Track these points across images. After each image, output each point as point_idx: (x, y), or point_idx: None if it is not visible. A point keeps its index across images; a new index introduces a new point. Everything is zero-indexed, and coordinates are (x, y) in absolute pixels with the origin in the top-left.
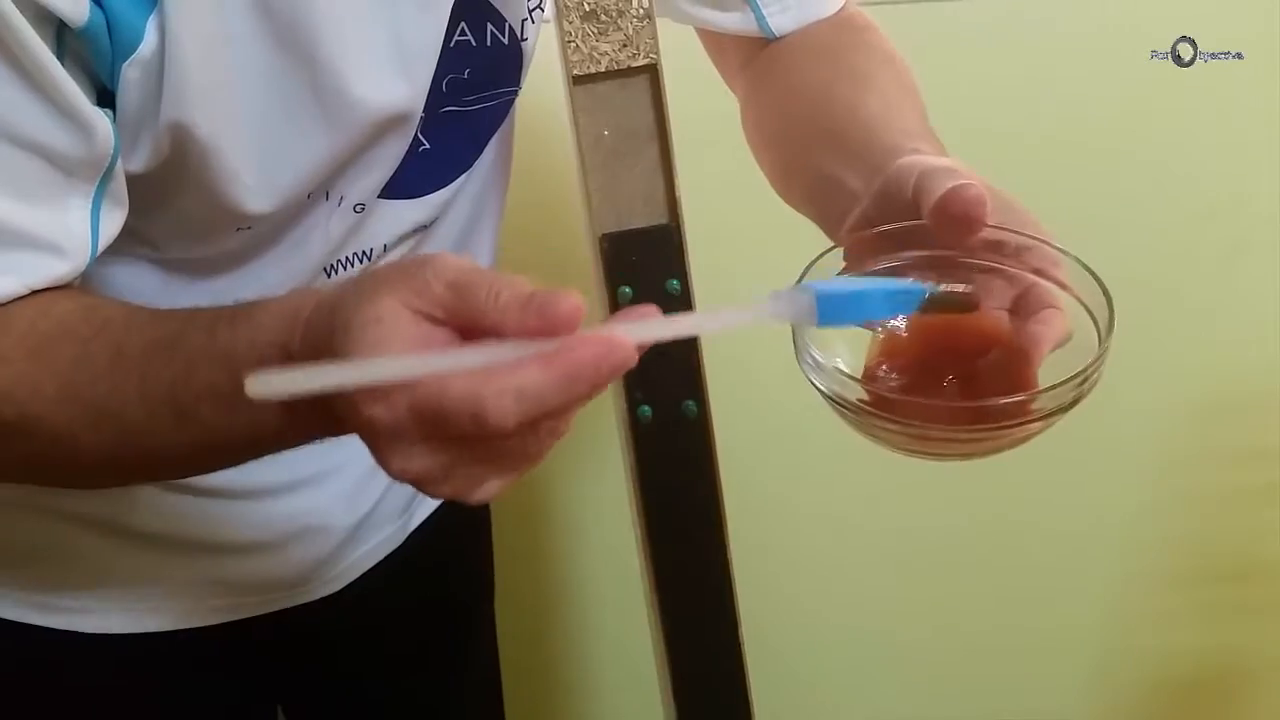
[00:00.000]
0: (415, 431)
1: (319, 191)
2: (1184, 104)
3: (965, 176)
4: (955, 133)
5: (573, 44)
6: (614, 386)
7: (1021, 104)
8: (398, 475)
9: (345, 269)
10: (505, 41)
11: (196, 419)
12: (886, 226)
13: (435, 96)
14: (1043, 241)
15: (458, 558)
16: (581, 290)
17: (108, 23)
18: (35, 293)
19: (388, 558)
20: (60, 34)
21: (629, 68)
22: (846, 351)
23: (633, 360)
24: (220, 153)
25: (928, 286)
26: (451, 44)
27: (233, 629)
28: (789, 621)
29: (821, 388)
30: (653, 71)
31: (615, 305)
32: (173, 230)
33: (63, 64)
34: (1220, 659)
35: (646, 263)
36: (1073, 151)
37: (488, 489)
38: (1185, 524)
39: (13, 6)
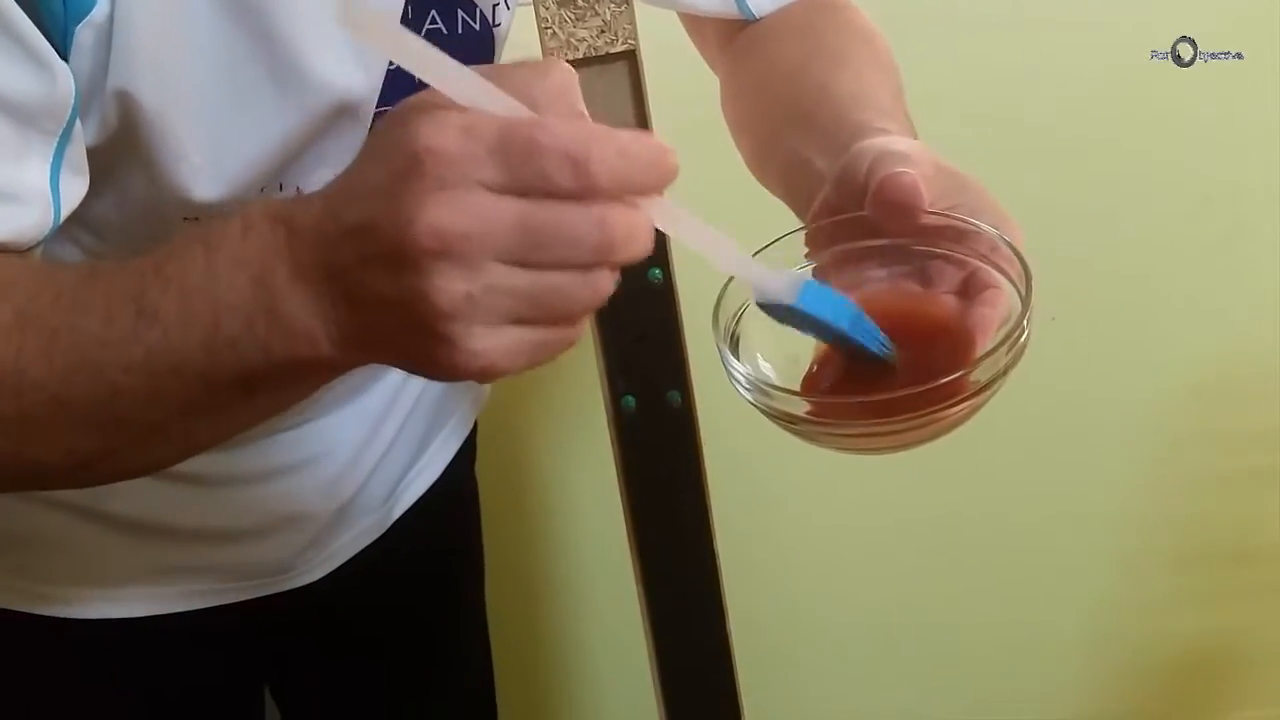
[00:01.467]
0: (487, 166)
1: (271, 184)
2: (1184, 104)
3: (913, 162)
4: (955, 132)
5: (549, 30)
6: (598, 376)
7: (1022, 103)
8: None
9: None
10: (477, 28)
11: (156, 317)
12: (841, 216)
13: (405, 87)
14: (964, 221)
15: (445, 544)
16: None
17: None
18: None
19: (374, 543)
20: None
21: (607, 54)
22: (778, 356)
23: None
24: (167, 128)
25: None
26: (421, 33)
27: (217, 613)
28: (776, 608)
29: (751, 402)
30: (631, 58)
31: None
32: (116, 215)
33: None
34: (1216, 642)
35: None
36: (1073, 151)
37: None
38: (1182, 507)
39: None
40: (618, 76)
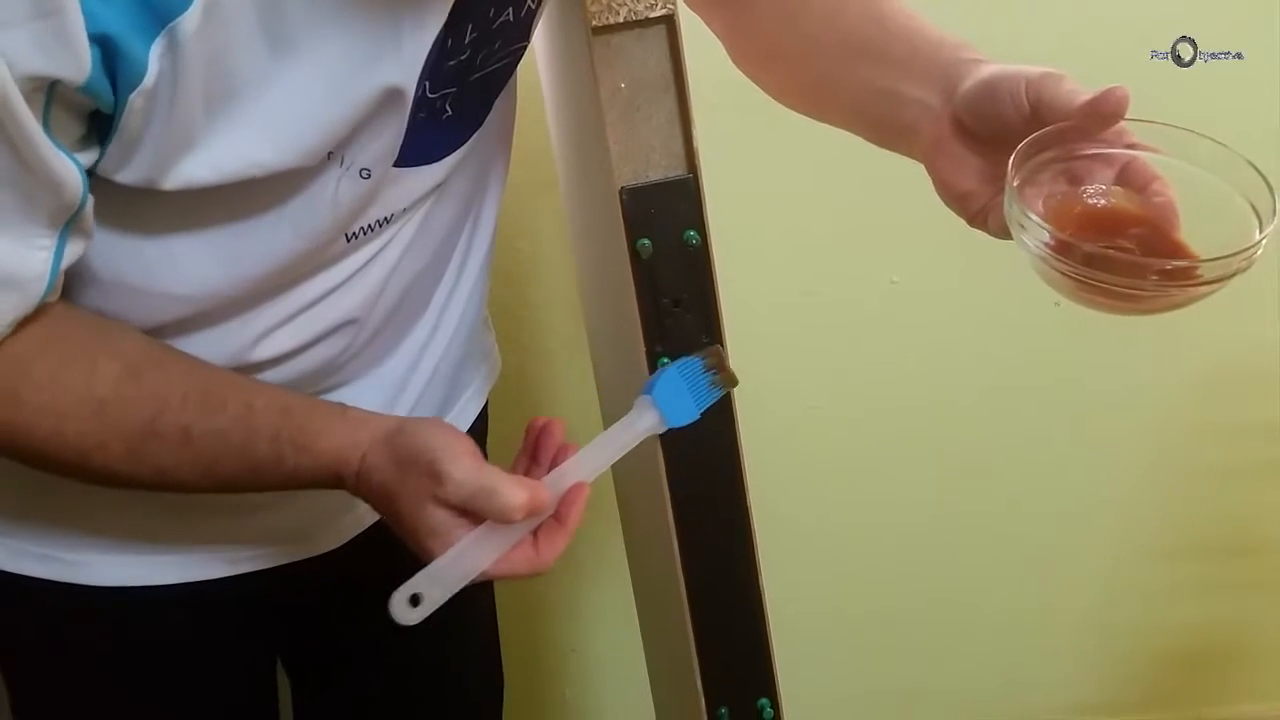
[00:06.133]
0: None
1: (335, 155)
2: (1184, 104)
3: (1070, 80)
4: None
5: None
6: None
7: None
8: None
9: (367, 234)
10: (521, 15)
11: (257, 491)
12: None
13: (465, 69)
14: (1178, 128)
15: None
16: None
17: (114, 64)
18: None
19: None
20: (53, 86)
21: (646, 18)
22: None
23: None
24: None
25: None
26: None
27: (238, 582)
28: (797, 590)
29: (1030, 243)
30: (670, 22)
31: (635, 258)
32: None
33: (50, 109)
34: (1219, 634)
35: (664, 215)
36: None
37: None
38: (1186, 499)
39: (9, 80)
40: (656, 40)
